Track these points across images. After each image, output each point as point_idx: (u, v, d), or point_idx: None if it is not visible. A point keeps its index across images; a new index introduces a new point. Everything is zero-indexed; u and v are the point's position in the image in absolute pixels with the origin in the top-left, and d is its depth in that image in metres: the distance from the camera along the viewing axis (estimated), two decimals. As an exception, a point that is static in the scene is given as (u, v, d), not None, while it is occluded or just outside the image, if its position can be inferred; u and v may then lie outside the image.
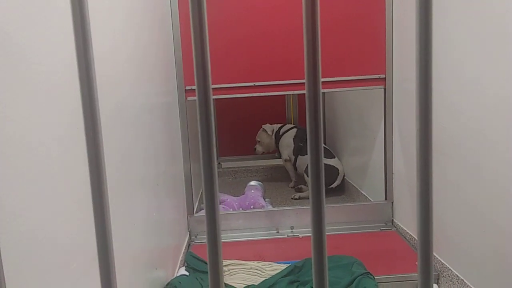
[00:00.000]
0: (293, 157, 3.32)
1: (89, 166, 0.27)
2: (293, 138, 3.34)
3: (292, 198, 3.09)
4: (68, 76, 0.84)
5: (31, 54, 0.72)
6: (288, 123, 3.66)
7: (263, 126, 3.47)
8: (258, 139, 3.49)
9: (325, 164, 2.34)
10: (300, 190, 3.21)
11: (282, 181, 3.52)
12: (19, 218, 0.65)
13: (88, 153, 0.27)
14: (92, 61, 0.26)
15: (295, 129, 3.39)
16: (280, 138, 3.40)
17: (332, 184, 3.04)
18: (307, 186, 3.14)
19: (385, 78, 2.29)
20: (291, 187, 3.34)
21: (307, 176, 2.94)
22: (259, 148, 3.48)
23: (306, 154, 3.38)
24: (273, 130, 3.44)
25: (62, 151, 0.81)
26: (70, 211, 0.83)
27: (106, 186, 0.29)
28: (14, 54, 0.66)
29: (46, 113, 0.75)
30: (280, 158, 3.48)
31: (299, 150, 3.29)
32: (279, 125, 3.48)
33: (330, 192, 3.03)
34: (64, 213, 0.80)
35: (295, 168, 3.33)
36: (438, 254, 1.85)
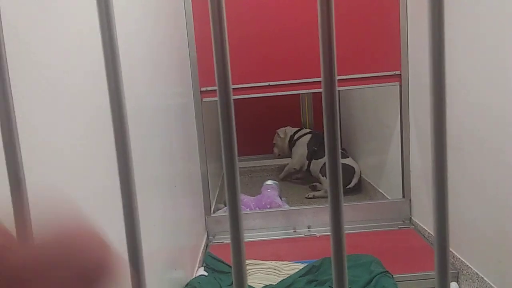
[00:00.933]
0: (306, 163, 3.34)
1: (118, 167, 0.28)
2: (307, 144, 3.36)
3: (306, 197, 3.08)
4: (88, 82, 0.85)
5: (48, 61, 0.74)
6: (304, 128, 3.70)
7: (278, 130, 3.55)
8: (274, 142, 3.60)
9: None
10: (315, 189, 3.20)
11: (297, 180, 3.52)
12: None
13: (117, 155, 0.28)
14: (119, 63, 0.27)
15: (309, 135, 3.41)
16: (295, 144, 3.44)
17: (349, 184, 3.02)
18: (322, 184, 3.13)
19: (400, 74, 2.27)
20: (281, 179, 3.44)
21: (322, 176, 2.93)
22: (275, 150, 3.61)
23: (321, 158, 3.41)
24: (285, 133, 3.50)
25: (84, 156, 0.83)
26: (95, 212, 0.84)
27: (134, 187, 0.30)
28: (32, 62, 0.68)
29: (68, 121, 0.77)
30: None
31: (313, 154, 3.31)
32: (295, 130, 3.51)
33: (348, 191, 3.02)
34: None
35: (309, 172, 3.34)
36: (458, 252, 1.83)
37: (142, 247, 0.31)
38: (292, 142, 3.46)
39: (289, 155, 3.56)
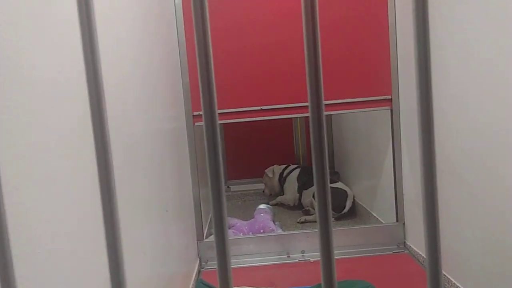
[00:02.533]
0: (297, 196, 3.36)
1: (101, 193, 0.28)
2: (297, 178, 3.40)
3: (298, 222, 3.05)
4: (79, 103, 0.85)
5: (38, 69, 0.74)
6: (296, 162, 3.82)
7: (266, 170, 3.58)
8: (264, 182, 3.62)
9: (331, 187, 2.34)
10: (307, 213, 3.18)
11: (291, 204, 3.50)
12: (32, 252, 0.65)
13: (99, 181, 0.27)
14: (102, 88, 0.27)
15: (298, 170, 3.46)
16: (285, 180, 3.48)
17: (344, 208, 3.00)
18: (314, 210, 3.12)
19: (391, 99, 2.30)
20: (269, 194, 3.51)
21: (315, 200, 2.97)
22: (266, 190, 3.63)
23: (310, 187, 3.46)
24: (273, 172, 3.54)
25: (70, 183, 0.82)
26: (79, 245, 0.83)
27: (117, 213, 0.29)
28: (19, 70, 0.68)
29: (56, 137, 0.77)
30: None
31: (303, 185, 3.34)
32: (283, 167, 3.55)
33: (344, 216, 2.99)
34: (73, 247, 0.80)
35: (301, 204, 3.35)
36: (453, 277, 1.81)
37: (125, 278, 0.30)
38: (282, 180, 3.50)
39: (280, 193, 3.57)
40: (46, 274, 0.69)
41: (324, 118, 0.31)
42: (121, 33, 1.25)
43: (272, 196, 3.60)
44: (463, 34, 1.61)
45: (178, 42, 2.24)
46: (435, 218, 0.30)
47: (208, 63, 0.27)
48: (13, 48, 0.65)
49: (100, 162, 0.27)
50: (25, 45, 0.69)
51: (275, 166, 3.59)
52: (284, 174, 3.49)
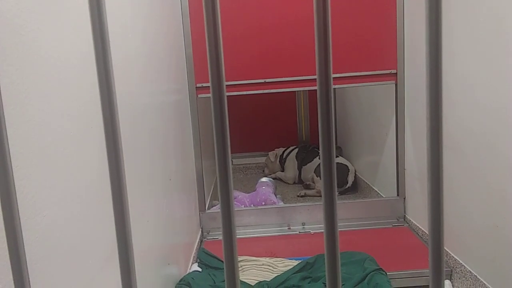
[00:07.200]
0: (297, 174, 3.44)
1: (109, 166, 0.28)
2: (296, 156, 3.51)
3: (298, 195, 3.09)
4: (81, 76, 0.85)
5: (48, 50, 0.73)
6: (299, 138, 3.93)
7: (269, 153, 3.72)
8: (265, 163, 3.76)
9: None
10: (308, 188, 3.21)
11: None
12: (37, 216, 0.66)
13: (108, 153, 0.28)
14: (110, 64, 0.27)
15: (296, 149, 3.57)
16: (285, 160, 3.59)
17: (347, 183, 3.02)
18: (315, 184, 3.15)
19: (396, 73, 2.27)
20: (269, 174, 3.60)
21: (317, 176, 2.98)
22: (266, 170, 3.75)
23: (309, 162, 3.57)
24: (276, 156, 3.66)
25: (77, 149, 0.82)
26: (85, 210, 0.84)
27: (125, 185, 0.30)
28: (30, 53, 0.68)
29: (59, 116, 0.77)
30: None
31: (302, 161, 3.44)
32: (283, 149, 3.66)
33: (347, 191, 3.02)
34: (78, 212, 0.82)
35: (301, 181, 3.41)
36: (451, 250, 1.84)
37: (132, 244, 0.31)
38: (282, 160, 3.61)
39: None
40: (51, 238, 0.71)
41: (332, 91, 0.31)
42: (121, 2, 1.23)
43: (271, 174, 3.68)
44: (470, 12, 1.58)
45: (182, 14, 2.21)
46: (439, 195, 0.30)
47: (217, 35, 0.27)
48: (22, 22, 0.64)
49: (108, 135, 0.27)
50: (33, 21, 0.68)
51: (280, 148, 3.67)
52: (284, 155, 3.60)
